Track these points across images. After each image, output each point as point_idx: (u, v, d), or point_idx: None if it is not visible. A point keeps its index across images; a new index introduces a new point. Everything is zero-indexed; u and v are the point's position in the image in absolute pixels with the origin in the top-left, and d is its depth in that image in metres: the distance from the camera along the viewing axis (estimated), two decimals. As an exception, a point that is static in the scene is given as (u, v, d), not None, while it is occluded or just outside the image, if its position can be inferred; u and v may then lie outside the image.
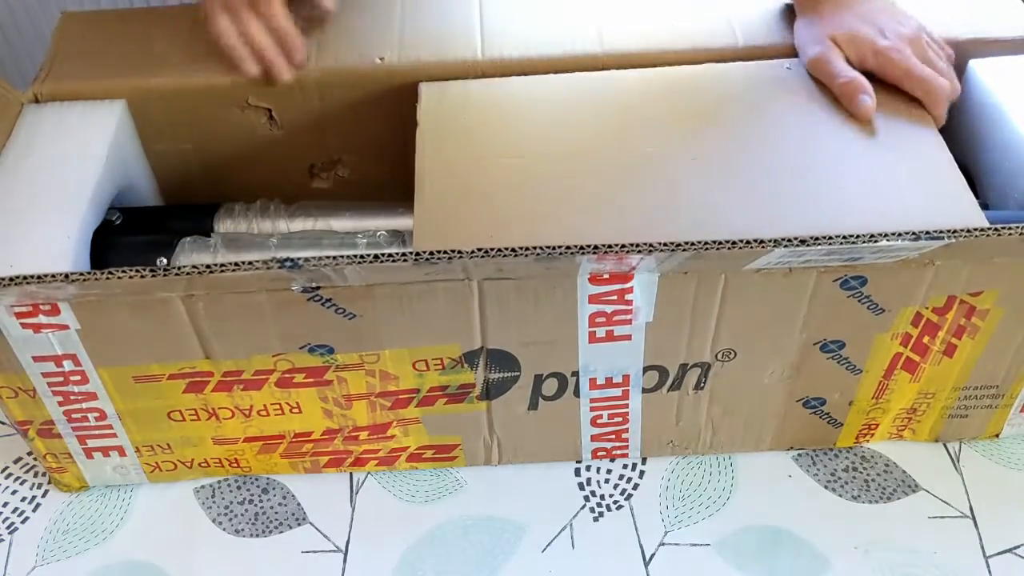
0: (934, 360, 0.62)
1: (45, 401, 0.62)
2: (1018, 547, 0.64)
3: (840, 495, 0.67)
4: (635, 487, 0.68)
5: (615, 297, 0.56)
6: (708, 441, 0.68)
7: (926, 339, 0.61)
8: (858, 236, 0.48)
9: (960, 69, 0.69)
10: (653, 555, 0.64)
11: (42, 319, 0.56)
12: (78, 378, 0.60)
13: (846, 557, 0.64)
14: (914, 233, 0.49)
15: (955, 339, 0.61)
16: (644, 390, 0.63)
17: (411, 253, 0.49)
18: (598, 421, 0.65)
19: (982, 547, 0.64)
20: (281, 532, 0.67)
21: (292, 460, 0.68)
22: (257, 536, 0.66)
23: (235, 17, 0.66)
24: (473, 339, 0.59)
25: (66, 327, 0.57)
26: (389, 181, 0.73)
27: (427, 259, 0.49)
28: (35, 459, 0.71)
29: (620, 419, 0.65)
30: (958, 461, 0.69)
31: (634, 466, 0.69)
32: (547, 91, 0.66)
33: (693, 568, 0.64)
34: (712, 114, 0.64)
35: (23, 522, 0.68)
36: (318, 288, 0.54)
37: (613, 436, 0.67)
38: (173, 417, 0.63)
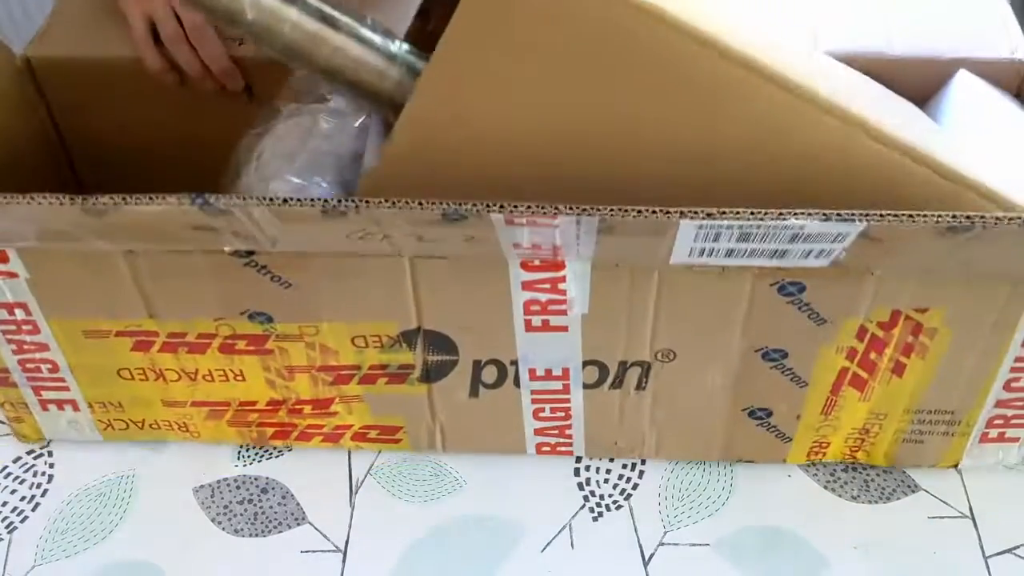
0: (883, 379, 0.61)
1: (0, 349, 0.63)
2: (1018, 547, 0.63)
3: (840, 495, 0.66)
4: (634, 487, 0.68)
5: (548, 286, 0.56)
6: (654, 446, 0.67)
7: (873, 355, 0.59)
8: (765, 213, 0.47)
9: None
10: (652, 555, 0.64)
11: (-7, 265, 0.58)
12: (30, 327, 0.62)
13: (846, 557, 0.63)
14: (824, 213, 0.47)
15: (904, 357, 0.59)
16: (585, 385, 0.63)
17: (320, 200, 0.49)
18: (540, 414, 0.65)
19: (982, 547, 0.63)
20: (280, 532, 0.66)
21: (239, 429, 0.68)
22: (256, 536, 0.66)
23: (174, 49, 0.70)
24: (409, 318, 0.59)
25: (15, 275, 0.58)
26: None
27: (335, 207, 0.48)
28: (35, 459, 0.71)
29: (563, 414, 0.65)
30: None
31: (633, 466, 0.69)
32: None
33: (693, 568, 0.63)
34: None
35: (22, 521, 0.67)
36: (252, 253, 0.55)
37: (556, 432, 0.66)
38: (123, 375, 0.65)
